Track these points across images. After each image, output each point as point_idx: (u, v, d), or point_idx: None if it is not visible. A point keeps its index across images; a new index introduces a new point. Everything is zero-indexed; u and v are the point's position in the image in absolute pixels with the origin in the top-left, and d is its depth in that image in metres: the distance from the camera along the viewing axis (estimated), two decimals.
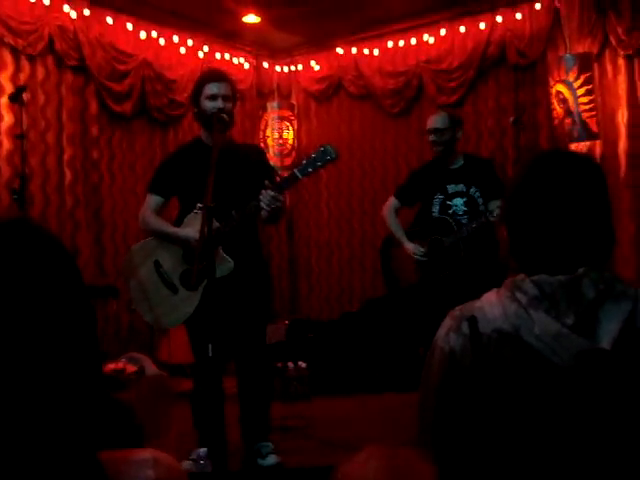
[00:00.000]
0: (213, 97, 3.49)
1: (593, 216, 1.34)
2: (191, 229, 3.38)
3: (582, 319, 1.24)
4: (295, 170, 3.35)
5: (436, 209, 4.45)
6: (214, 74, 3.67)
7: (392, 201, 4.72)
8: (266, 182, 3.30)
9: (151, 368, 1.19)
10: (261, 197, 3.27)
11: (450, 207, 4.41)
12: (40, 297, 0.76)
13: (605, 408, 1.22)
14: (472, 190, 4.37)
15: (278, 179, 3.54)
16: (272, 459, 3.56)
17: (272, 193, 3.26)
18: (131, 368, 1.19)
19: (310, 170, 3.30)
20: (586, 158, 1.47)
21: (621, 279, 1.30)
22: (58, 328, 0.77)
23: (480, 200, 4.33)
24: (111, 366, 1.21)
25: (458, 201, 4.39)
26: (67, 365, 0.77)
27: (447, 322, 1.40)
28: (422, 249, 4.48)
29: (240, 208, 3.38)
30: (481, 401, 1.29)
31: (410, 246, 4.53)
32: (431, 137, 4.45)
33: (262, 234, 3.82)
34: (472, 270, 4.28)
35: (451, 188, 4.41)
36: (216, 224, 3.22)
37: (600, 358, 1.22)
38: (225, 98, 3.51)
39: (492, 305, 1.33)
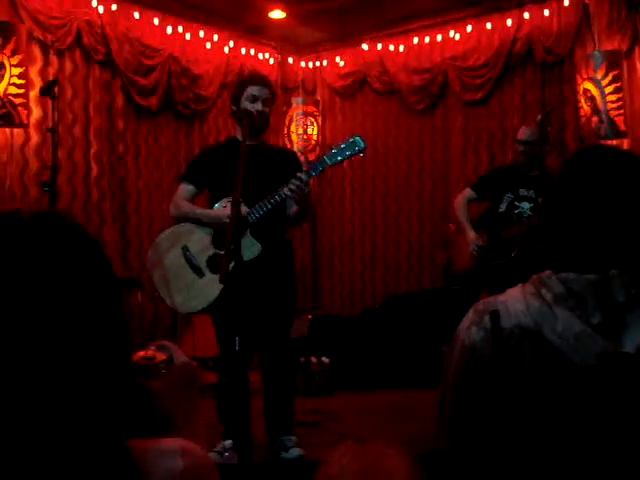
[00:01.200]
0: (254, 99, 3.59)
1: (631, 214, 1.29)
2: (222, 210, 3.44)
3: (608, 321, 1.20)
4: (324, 157, 3.44)
5: (504, 206, 4.71)
6: (258, 77, 3.81)
7: (467, 191, 5.00)
8: (297, 175, 3.38)
9: (180, 356, 1.20)
10: (288, 184, 3.35)
11: (517, 207, 4.67)
12: (71, 288, 0.77)
13: (623, 412, 1.20)
14: (541, 199, 4.54)
15: (307, 165, 3.64)
16: (295, 452, 3.58)
17: (302, 177, 3.33)
18: (161, 356, 1.21)
19: (339, 159, 3.38)
20: (628, 154, 1.39)
21: None
22: (89, 317, 0.78)
23: None
24: (140, 354, 1.22)
25: (525, 205, 4.65)
26: (97, 354, 0.78)
27: (470, 315, 1.38)
28: (480, 242, 4.75)
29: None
30: (499, 396, 1.27)
31: (472, 235, 4.79)
32: (520, 148, 4.71)
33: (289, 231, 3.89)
34: (523, 266, 4.41)
35: (522, 192, 4.68)
36: (245, 209, 3.29)
37: (623, 362, 1.19)
38: (264, 102, 3.60)
39: (515, 300, 1.31)
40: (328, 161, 3.39)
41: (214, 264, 3.48)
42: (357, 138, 3.40)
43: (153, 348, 1.38)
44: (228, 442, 3.51)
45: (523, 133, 4.75)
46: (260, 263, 3.46)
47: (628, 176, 1.31)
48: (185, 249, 3.58)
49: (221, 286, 3.39)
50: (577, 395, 1.22)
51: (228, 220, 3.18)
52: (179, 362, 1.33)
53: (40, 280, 0.75)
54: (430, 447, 1.45)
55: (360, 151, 3.39)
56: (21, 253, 0.76)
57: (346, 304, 7.19)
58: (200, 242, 3.58)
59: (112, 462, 0.80)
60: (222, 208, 3.50)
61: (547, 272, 1.29)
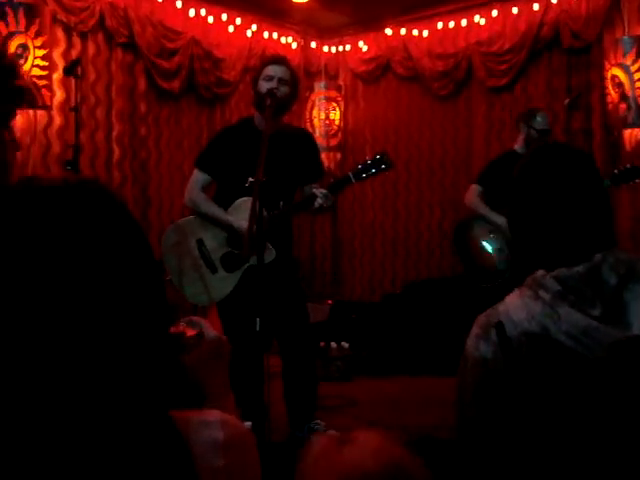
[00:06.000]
0: (269, 78, 3.56)
1: (592, 202, 1.36)
2: (243, 221, 3.40)
3: (609, 307, 1.22)
4: (350, 173, 3.47)
5: None
6: (274, 57, 3.88)
7: (475, 188, 4.76)
8: (320, 190, 3.41)
9: (210, 331, 1.22)
10: (315, 191, 3.39)
11: None
12: (112, 258, 0.77)
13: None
14: None
15: (332, 180, 3.65)
16: None
17: (325, 192, 3.37)
18: (191, 331, 1.22)
19: (364, 176, 3.46)
20: (576, 150, 1.52)
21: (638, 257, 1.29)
22: (131, 285, 0.78)
23: None
24: (171, 330, 1.23)
25: None
26: (139, 325, 0.78)
27: (474, 330, 1.39)
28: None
29: (287, 201, 3.51)
30: (520, 406, 1.27)
31: (502, 219, 4.40)
32: (543, 138, 4.52)
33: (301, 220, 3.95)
34: None
35: None
36: (264, 214, 3.31)
37: (633, 347, 1.19)
38: (281, 81, 3.58)
39: (516, 307, 1.31)
40: (353, 179, 3.44)
41: (228, 262, 3.55)
42: (385, 156, 3.45)
43: (183, 324, 1.40)
44: (247, 424, 3.52)
45: (547, 122, 4.56)
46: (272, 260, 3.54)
47: (582, 170, 1.39)
48: (201, 243, 3.61)
49: (233, 284, 3.51)
50: (597, 390, 1.22)
51: (246, 233, 3.21)
52: (209, 337, 1.36)
53: (89, 247, 0.75)
54: (451, 435, 1.45)
55: (386, 169, 3.45)
56: (69, 221, 0.76)
57: (366, 290, 7.17)
58: (215, 239, 3.62)
59: (158, 432, 0.81)
60: (242, 221, 3.44)
61: (540, 272, 1.32)
